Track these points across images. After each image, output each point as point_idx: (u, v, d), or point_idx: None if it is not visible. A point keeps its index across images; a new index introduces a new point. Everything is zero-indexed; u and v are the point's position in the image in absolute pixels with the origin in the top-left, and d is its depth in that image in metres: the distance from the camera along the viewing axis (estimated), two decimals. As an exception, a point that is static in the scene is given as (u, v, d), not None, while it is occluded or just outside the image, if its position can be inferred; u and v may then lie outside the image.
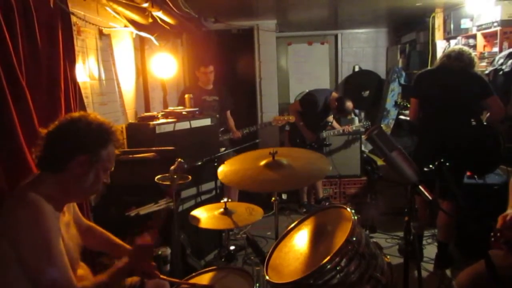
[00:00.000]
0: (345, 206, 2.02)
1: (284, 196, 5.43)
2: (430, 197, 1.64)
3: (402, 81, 5.80)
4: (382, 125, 5.76)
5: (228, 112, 4.92)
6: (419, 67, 5.38)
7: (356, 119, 5.78)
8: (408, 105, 4.12)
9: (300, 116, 4.89)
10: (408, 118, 4.85)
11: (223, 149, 4.10)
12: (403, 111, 5.45)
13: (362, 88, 6.29)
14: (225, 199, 2.53)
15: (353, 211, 1.93)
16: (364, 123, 5.26)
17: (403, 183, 1.70)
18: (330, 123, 5.15)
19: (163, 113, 3.57)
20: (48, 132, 1.67)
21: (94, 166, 1.66)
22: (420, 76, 3.52)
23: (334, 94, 4.95)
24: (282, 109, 6.15)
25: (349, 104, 4.78)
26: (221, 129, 4.56)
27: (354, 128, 5.20)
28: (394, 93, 5.83)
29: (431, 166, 1.74)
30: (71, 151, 1.64)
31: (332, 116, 5.13)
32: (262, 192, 5.16)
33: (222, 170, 2.43)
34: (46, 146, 1.65)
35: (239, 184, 2.29)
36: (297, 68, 6.57)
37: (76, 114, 1.71)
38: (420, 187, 1.65)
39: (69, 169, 1.64)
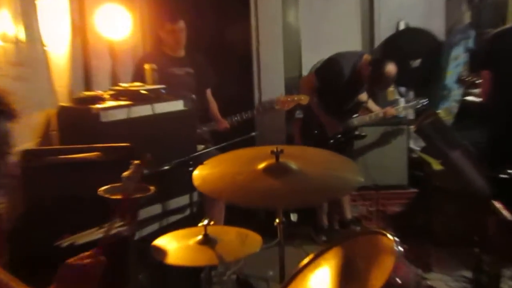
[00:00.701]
0: (384, 232, 2.02)
1: (293, 217, 5.45)
2: (510, 217, 1.64)
3: (470, 45, 5.81)
4: (439, 111, 5.81)
5: (209, 92, 4.93)
6: (495, 24, 5.37)
7: (402, 100, 5.80)
8: (479, 81, 4.12)
9: (318, 95, 4.90)
10: (478, 100, 4.86)
11: (202, 146, 4.11)
12: (472, 90, 5.47)
13: (411, 55, 6.29)
14: (205, 221, 2.53)
15: (396, 239, 1.94)
16: (418, 101, 5.27)
17: (470, 197, 1.70)
18: (363, 104, 5.17)
19: (112, 92, 3.56)
20: None
21: None
22: (496, 37, 3.55)
23: (367, 57, 4.96)
24: (290, 88, 6.15)
25: (390, 68, 4.74)
26: (199, 116, 4.57)
27: (400, 110, 5.20)
28: (458, 63, 5.84)
29: (510, 171, 1.76)
30: None
31: (365, 93, 5.14)
32: (261, 209, 5.21)
33: (200, 174, 2.44)
34: None
35: (226, 197, 2.35)
36: (312, 28, 6.55)
37: None
38: (495, 202, 1.65)
39: None
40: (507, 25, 3.79)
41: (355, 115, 5.07)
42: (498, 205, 1.69)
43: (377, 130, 5.27)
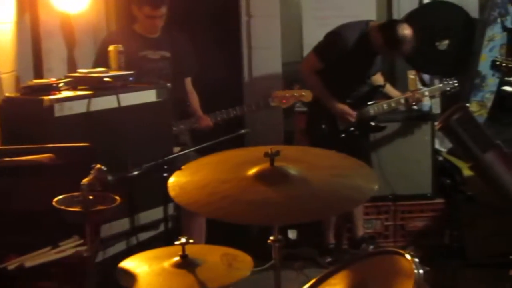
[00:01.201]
0: (402, 251, 2.04)
1: (292, 234, 5.48)
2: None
3: (509, 24, 5.85)
4: (470, 104, 5.84)
5: (189, 81, 4.95)
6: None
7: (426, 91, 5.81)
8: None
9: (323, 80, 4.95)
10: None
11: (177, 148, 4.13)
12: (510, 79, 5.50)
13: (437, 35, 6.32)
14: (183, 239, 2.52)
15: (416, 259, 1.96)
16: (448, 82, 5.31)
17: (506, 208, 1.73)
18: (380, 88, 5.22)
19: (68, 79, 3.57)
20: None
21: None
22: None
23: (374, 23, 5.02)
24: (290, 75, 6.16)
25: (405, 29, 4.79)
26: (176, 111, 4.59)
27: (426, 94, 5.22)
28: (494, 44, 5.87)
29: None
30: None
31: (380, 73, 5.17)
32: (252, 225, 5.21)
33: (177, 182, 2.45)
34: None
35: (208, 210, 2.31)
36: (317, 0, 6.59)
37: None
38: None
39: None
40: None
41: (370, 103, 5.10)
42: None
43: (392, 126, 5.27)
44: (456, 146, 1.71)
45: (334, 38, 4.95)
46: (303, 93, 4.89)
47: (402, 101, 5.11)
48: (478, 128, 1.76)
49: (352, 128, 4.99)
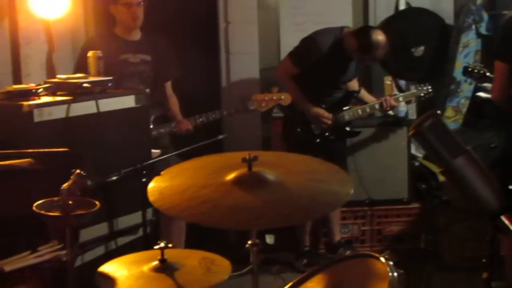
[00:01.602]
0: (377, 255, 2.07)
1: (269, 239, 5.50)
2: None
3: (483, 30, 5.92)
4: (447, 109, 5.89)
5: (169, 85, 4.96)
6: (512, 4, 5.52)
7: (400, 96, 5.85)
8: (489, 74, 4.19)
9: (298, 84, 4.99)
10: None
11: (157, 151, 4.13)
12: (485, 84, 5.56)
13: (412, 41, 6.37)
14: (162, 244, 2.52)
15: (391, 263, 1.99)
16: (422, 88, 5.37)
17: (476, 212, 1.78)
18: (355, 94, 5.25)
19: (47, 85, 3.56)
20: None
21: None
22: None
23: (348, 29, 5.07)
24: (268, 80, 6.18)
25: (379, 35, 4.87)
26: (156, 115, 4.61)
27: (401, 99, 5.27)
28: (469, 51, 5.94)
29: None
30: None
31: (356, 78, 5.23)
32: (230, 230, 5.23)
33: (156, 187, 2.46)
34: None
35: (187, 215, 2.33)
36: (294, 5, 6.58)
37: None
38: (503, 218, 1.72)
39: None
40: None
41: (345, 108, 5.13)
42: (505, 221, 1.76)
43: (367, 132, 5.30)
44: (428, 151, 1.74)
45: (309, 43, 5.00)
46: (282, 97, 4.90)
47: (377, 106, 5.15)
48: (449, 134, 1.79)
49: (327, 133, 5.02)
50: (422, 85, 5.43)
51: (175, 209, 2.34)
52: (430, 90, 5.40)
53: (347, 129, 5.16)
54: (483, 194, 1.77)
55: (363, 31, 4.94)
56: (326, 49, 4.92)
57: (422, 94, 5.37)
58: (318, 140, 5.03)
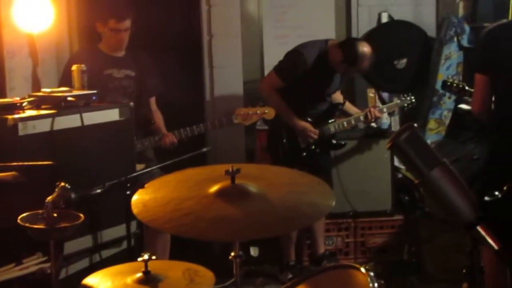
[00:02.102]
0: (357, 266, 2.10)
1: (253, 252, 5.50)
2: (495, 246, 1.75)
3: (465, 43, 5.98)
4: (430, 121, 5.94)
5: (153, 100, 4.98)
6: (493, 17, 5.56)
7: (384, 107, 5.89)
8: (468, 88, 4.24)
9: (283, 98, 5.00)
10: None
11: (142, 165, 4.15)
12: (467, 97, 5.61)
13: (395, 54, 6.41)
14: (146, 256, 2.53)
15: (372, 273, 2.02)
16: (406, 98, 5.41)
17: (453, 224, 1.81)
18: (340, 106, 5.29)
19: (31, 99, 3.57)
20: None
21: None
22: (493, 34, 3.64)
23: (333, 41, 5.10)
24: (251, 94, 6.19)
25: (364, 46, 4.91)
26: (140, 129, 4.60)
27: (385, 110, 5.32)
28: (451, 63, 6.00)
29: (496, 193, 1.86)
30: None
31: (340, 90, 5.27)
32: (213, 242, 5.23)
33: (140, 199, 2.48)
34: None
35: (171, 227, 2.33)
36: (277, 18, 6.60)
37: None
38: (479, 228, 1.76)
39: None
40: (505, 20, 3.86)
41: (331, 120, 5.16)
42: (481, 231, 1.79)
43: (350, 144, 5.33)
44: (405, 163, 1.78)
45: (294, 56, 5.02)
46: (266, 111, 4.92)
47: (362, 118, 5.18)
48: (425, 146, 1.82)
49: (313, 146, 5.04)
50: (405, 95, 5.46)
51: (158, 221, 2.35)
52: (413, 100, 5.44)
53: (333, 141, 5.19)
54: (459, 205, 1.80)
55: (348, 43, 4.99)
56: (312, 62, 4.94)
57: (405, 105, 5.41)
58: (304, 154, 5.05)
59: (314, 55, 4.97)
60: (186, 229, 2.28)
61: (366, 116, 5.16)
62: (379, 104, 5.87)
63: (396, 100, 5.51)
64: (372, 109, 5.19)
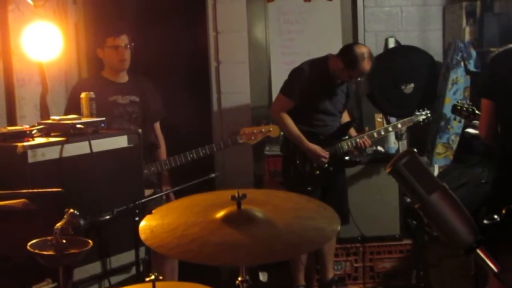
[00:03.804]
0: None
1: (262, 277, 5.53)
2: (495, 268, 1.77)
3: (472, 67, 6.01)
4: (437, 145, 5.95)
5: (158, 125, 5.03)
6: (499, 42, 5.60)
7: (393, 134, 5.90)
8: (477, 112, 4.26)
9: (294, 120, 5.03)
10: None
11: (150, 190, 4.17)
12: (473, 122, 5.62)
13: (402, 78, 6.42)
14: (153, 276, 2.56)
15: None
16: (420, 113, 5.39)
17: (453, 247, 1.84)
18: (353, 123, 5.37)
19: (41, 126, 3.59)
20: None
21: None
22: (498, 59, 3.69)
23: (332, 54, 5.13)
24: (259, 119, 6.19)
25: (361, 48, 4.97)
26: (145, 154, 4.63)
27: (399, 126, 5.30)
28: (458, 87, 6.04)
29: (495, 216, 1.88)
30: None
31: (346, 112, 5.33)
32: (221, 266, 5.22)
33: (147, 225, 2.50)
34: None
35: (178, 253, 2.34)
36: (285, 44, 6.65)
37: None
38: (479, 251, 1.78)
39: None
40: (511, 45, 3.88)
41: (344, 138, 5.17)
42: (480, 254, 1.82)
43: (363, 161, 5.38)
44: (404, 188, 1.80)
45: (296, 72, 5.08)
46: (271, 129, 4.96)
47: (382, 132, 5.25)
48: (425, 171, 1.85)
49: (326, 165, 5.04)
50: (420, 110, 5.46)
51: (165, 247, 2.36)
52: (429, 114, 5.44)
53: (347, 158, 5.20)
54: (458, 229, 1.83)
55: (345, 48, 5.04)
56: (313, 75, 5.00)
57: (421, 119, 5.39)
58: (318, 172, 5.06)
59: (315, 68, 5.05)
60: (192, 254, 2.29)
61: (357, 143, 5.19)
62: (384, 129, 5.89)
63: (411, 117, 5.46)
64: (365, 140, 5.19)
